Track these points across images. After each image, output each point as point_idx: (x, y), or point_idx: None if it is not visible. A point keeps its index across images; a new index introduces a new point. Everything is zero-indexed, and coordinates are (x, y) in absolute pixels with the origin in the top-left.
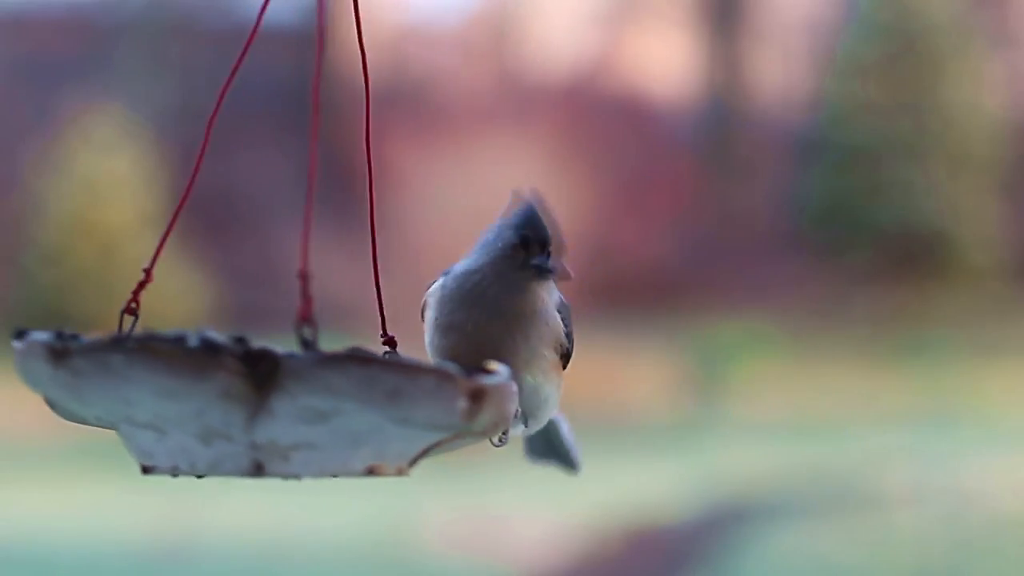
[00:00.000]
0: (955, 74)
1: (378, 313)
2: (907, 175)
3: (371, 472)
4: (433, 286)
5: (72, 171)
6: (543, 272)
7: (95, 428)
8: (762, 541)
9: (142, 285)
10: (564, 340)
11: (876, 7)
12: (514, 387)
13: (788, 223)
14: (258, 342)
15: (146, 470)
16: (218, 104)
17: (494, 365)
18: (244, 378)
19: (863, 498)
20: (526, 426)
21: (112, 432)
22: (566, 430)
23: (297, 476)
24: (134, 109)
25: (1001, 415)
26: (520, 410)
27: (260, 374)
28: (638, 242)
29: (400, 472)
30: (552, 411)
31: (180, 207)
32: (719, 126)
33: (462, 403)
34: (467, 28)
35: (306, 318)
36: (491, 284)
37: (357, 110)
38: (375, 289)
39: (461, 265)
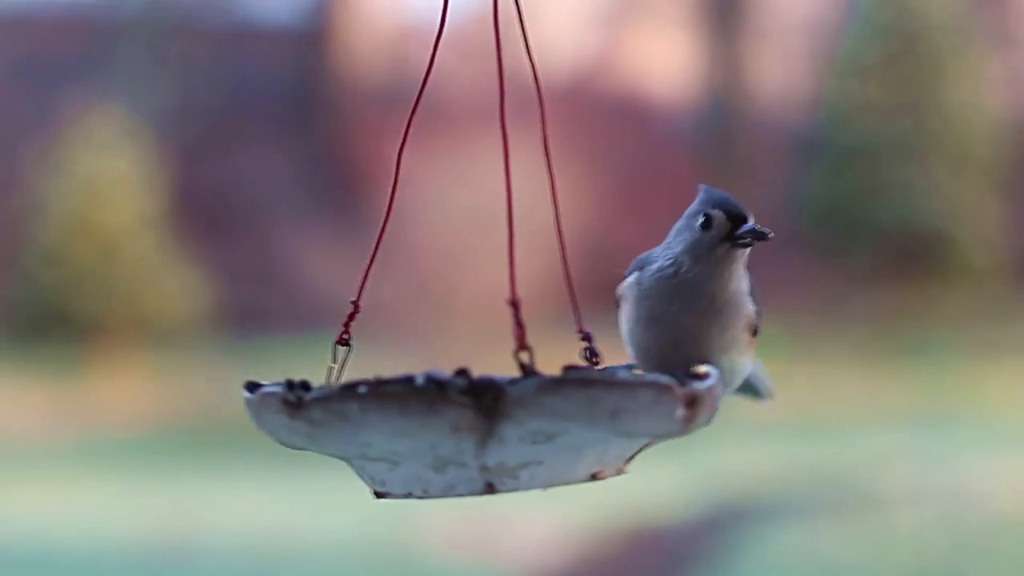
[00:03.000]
0: (955, 74)
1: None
2: (907, 175)
3: (594, 477)
4: (628, 280)
5: (72, 171)
6: (744, 241)
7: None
8: (762, 541)
9: (352, 317)
10: (755, 321)
11: (876, 7)
12: (720, 383)
13: (788, 223)
14: (478, 373)
15: (379, 495)
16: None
17: (703, 368)
18: (472, 410)
19: (863, 498)
20: (727, 388)
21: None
22: (755, 366)
23: (526, 489)
24: (134, 109)
25: (1001, 415)
26: None
27: (486, 404)
28: (638, 242)
29: (619, 472)
30: (740, 382)
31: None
32: (719, 126)
33: (680, 412)
34: (467, 28)
35: (523, 345)
36: (689, 270)
37: (357, 110)
38: (567, 285)
39: (655, 254)
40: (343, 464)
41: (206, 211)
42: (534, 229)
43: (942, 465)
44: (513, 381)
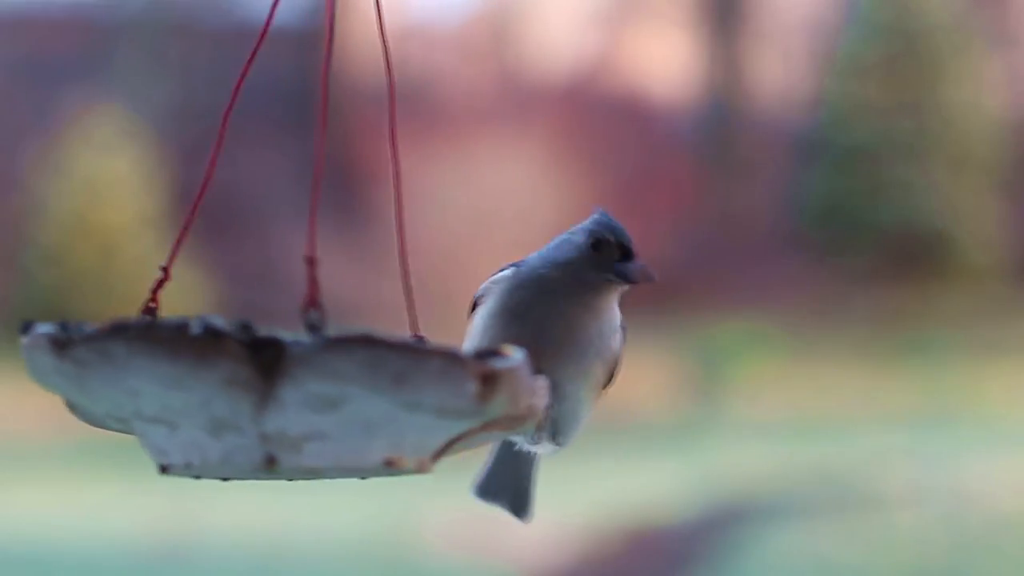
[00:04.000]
0: (955, 74)
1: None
2: (907, 175)
3: (389, 465)
4: (500, 274)
5: (72, 171)
6: (624, 275)
7: (95, 429)
8: (762, 541)
9: (160, 284)
10: (614, 363)
11: (876, 7)
12: (531, 374)
13: (788, 223)
14: (265, 330)
15: (163, 469)
16: (233, 99)
17: (509, 349)
18: (249, 365)
19: (863, 498)
20: (556, 442)
21: (111, 433)
22: (537, 470)
23: (313, 472)
24: (134, 109)
25: (1001, 415)
26: (555, 420)
27: (265, 361)
28: (638, 242)
29: (422, 467)
30: (577, 434)
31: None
32: (719, 126)
33: (472, 386)
34: (467, 28)
35: (313, 303)
36: (566, 283)
37: (358, 110)
38: (405, 292)
39: (534, 258)
40: None
41: (206, 211)
42: (534, 229)
43: (942, 465)
44: (297, 339)
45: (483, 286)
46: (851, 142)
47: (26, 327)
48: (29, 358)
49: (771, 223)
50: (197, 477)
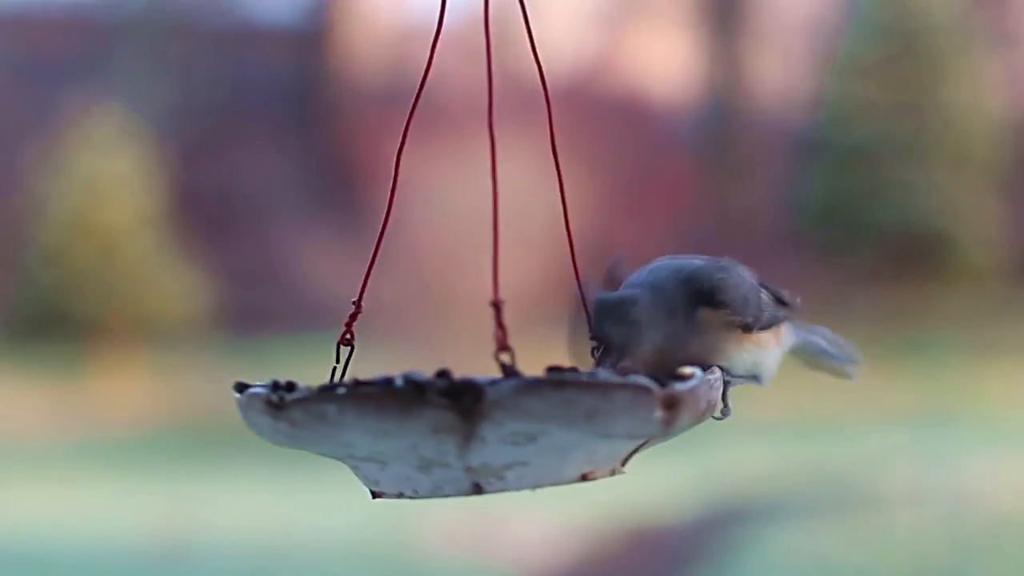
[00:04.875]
0: (955, 74)
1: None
2: (907, 175)
3: (584, 478)
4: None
5: (72, 171)
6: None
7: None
8: (762, 541)
9: (354, 317)
10: (731, 315)
11: (876, 7)
12: (708, 383)
13: (788, 223)
14: (460, 374)
15: (375, 495)
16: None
17: (687, 370)
18: (450, 411)
19: (863, 498)
20: (760, 382)
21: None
22: (824, 345)
23: (515, 490)
24: (134, 109)
25: (1001, 415)
26: (737, 379)
27: (465, 405)
28: (638, 242)
29: (615, 472)
30: (774, 370)
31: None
32: (719, 126)
33: (659, 414)
34: (467, 28)
35: (504, 346)
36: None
37: (358, 110)
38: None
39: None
40: (342, 464)
41: (206, 211)
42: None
43: (942, 465)
44: (492, 383)
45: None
46: (851, 142)
47: (240, 388)
48: (245, 415)
49: (771, 223)
50: (402, 498)
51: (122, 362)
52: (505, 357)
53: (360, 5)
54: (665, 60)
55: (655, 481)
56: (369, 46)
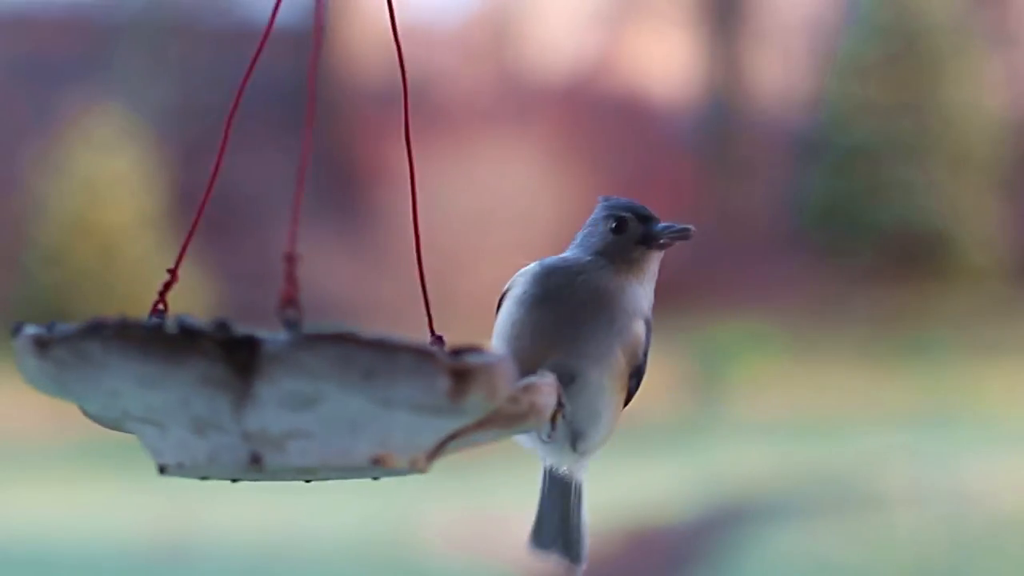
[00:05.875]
0: (955, 74)
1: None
2: (907, 175)
3: (378, 463)
4: (528, 266)
5: (72, 171)
6: (662, 241)
7: (95, 429)
8: (762, 541)
9: (168, 285)
10: (640, 353)
11: (876, 7)
12: (514, 370)
13: (788, 223)
14: (242, 328)
15: (162, 469)
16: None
17: (488, 344)
18: (222, 363)
19: (863, 498)
20: (576, 449)
21: (111, 433)
22: (585, 509)
23: (305, 472)
24: (134, 109)
25: (1001, 415)
26: (571, 420)
27: (240, 359)
28: None
29: (416, 465)
30: (605, 436)
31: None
32: (719, 126)
33: (444, 382)
34: (467, 28)
35: (290, 300)
36: (597, 264)
37: (358, 110)
38: (421, 292)
39: (560, 255)
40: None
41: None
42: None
43: (942, 465)
44: (271, 337)
45: (511, 279)
46: (851, 142)
47: (16, 328)
48: (17, 359)
49: (771, 223)
50: (204, 478)
51: None
52: (290, 313)
53: (360, 5)
54: (665, 60)
55: (655, 481)
56: (369, 46)
